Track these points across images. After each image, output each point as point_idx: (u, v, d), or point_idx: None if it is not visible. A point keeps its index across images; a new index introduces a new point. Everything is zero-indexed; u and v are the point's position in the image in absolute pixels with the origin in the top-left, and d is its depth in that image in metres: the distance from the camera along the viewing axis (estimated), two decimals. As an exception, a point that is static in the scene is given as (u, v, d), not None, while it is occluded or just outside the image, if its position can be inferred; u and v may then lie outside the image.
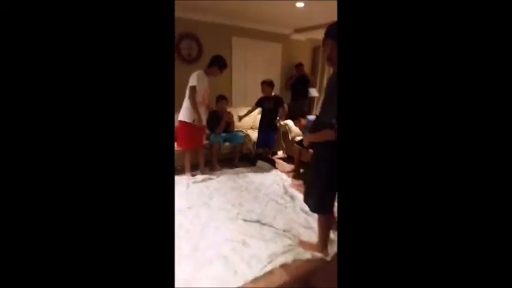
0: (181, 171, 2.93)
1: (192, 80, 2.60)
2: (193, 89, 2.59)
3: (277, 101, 3.22)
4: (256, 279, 1.50)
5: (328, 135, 1.40)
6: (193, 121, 2.69)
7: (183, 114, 2.69)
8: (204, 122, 2.81)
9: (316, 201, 1.57)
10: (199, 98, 2.65)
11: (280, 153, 3.98)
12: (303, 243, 1.80)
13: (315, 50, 4.87)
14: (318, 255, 1.69)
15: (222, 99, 3.29)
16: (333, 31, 1.37)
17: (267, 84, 3.14)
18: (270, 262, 1.61)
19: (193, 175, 2.91)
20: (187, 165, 2.89)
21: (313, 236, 1.87)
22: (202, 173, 2.98)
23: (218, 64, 2.71)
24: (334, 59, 1.39)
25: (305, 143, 1.67)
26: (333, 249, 1.74)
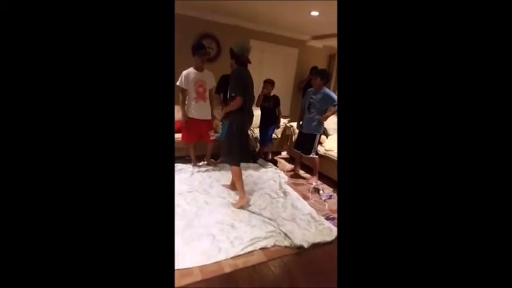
0: (190, 161, 3.17)
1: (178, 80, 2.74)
2: (178, 87, 2.74)
3: (276, 101, 3.45)
4: (236, 257, 1.70)
5: (237, 103, 2.06)
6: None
7: None
8: (206, 116, 2.95)
9: (227, 155, 2.23)
10: (192, 94, 2.80)
11: (284, 154, 4.15)
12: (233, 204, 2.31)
13: (331, 57, 4.97)
14: (296, 243, 1.86)
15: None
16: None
17: (270, 83, 3.33)
18: (252, 244, 1.80)
19: (199, 165, 3.14)
20: (193, 156, 3.11)
21: (295, 228, 2.04)
22: (208, 164, 3.20)
23: (195, 53, 2.74)
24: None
25: (222, 116, 2.26)
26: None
